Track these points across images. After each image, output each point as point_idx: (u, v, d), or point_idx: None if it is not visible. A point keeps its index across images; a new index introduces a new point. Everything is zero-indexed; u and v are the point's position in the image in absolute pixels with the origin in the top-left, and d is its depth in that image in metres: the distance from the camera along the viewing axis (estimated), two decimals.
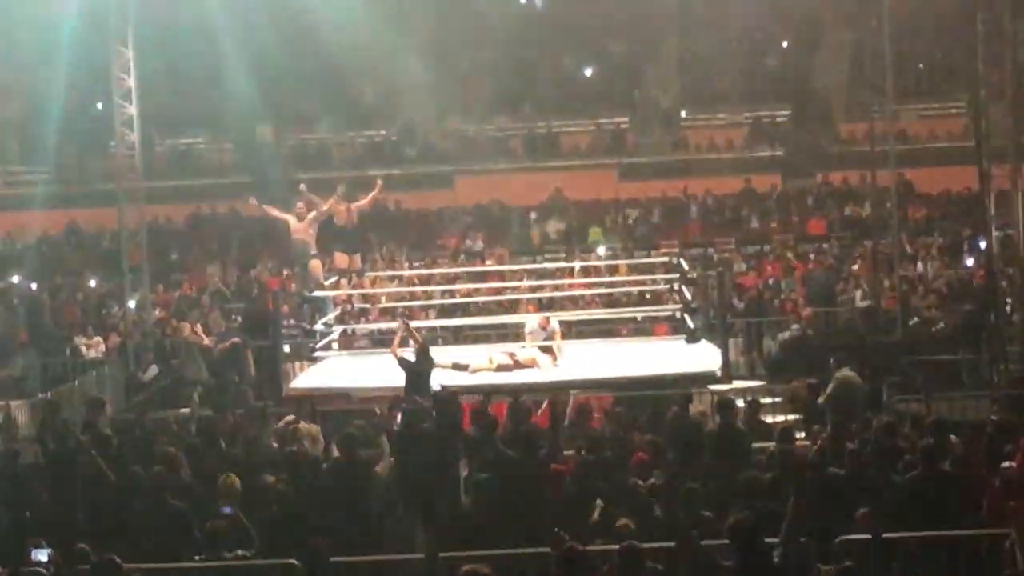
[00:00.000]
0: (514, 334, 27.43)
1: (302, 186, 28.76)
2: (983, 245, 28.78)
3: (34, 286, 36.78)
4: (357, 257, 29.15)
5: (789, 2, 42.73)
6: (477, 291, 30.94)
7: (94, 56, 32.54)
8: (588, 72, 46.75)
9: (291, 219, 27.91)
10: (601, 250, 36.30)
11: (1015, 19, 25.45)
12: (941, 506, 14.57)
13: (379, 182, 29.16)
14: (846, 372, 20.90)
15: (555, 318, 26.75)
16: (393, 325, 26.40)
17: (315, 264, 28.65)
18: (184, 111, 42.69)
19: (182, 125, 42.83)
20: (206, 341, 28.22)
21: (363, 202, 28.78)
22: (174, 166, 42.66)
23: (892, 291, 30.57)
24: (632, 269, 31.67)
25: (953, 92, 38.95)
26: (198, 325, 29.31)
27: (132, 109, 29.66)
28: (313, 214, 27.86)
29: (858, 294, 31.50)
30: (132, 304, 30.71)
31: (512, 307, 29.50)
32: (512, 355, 25.19)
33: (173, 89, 40.98)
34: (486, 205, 41.49)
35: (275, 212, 28.70)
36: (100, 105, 37.10)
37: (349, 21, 42.71)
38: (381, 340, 27.30)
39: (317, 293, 28.30)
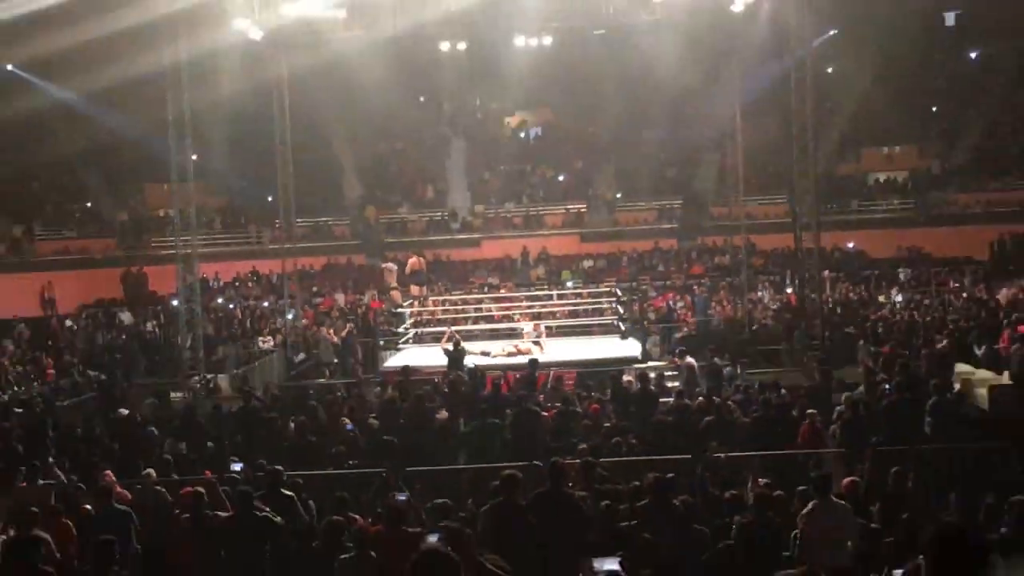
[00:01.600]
0: (517, 334, 27.47)
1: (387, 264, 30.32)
2: (796, 282, 28.96)
3: (231, 306, 36.96)
4: (424, 288, 29.29)
5: (682, 133, 42.85)
6: (494, 308, 31.00)
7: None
8: (561, 177, 46.75)
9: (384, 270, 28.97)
10: (569, 284, 36.27)
11: (816, 145, 25.57)
12: (776, 435, 14.69)
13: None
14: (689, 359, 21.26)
15: (542, 324, 26.96)
16: (444, 329, 26.51)
17: (394, 293, 29.03)
18: (318, 199, 42.67)
19: (317, 209, 42.68)
20: (335, 339, 28.44)
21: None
22: (315, 234, 42.55)
23: (742, 308, 30.75)
24: (588, 295, 31.67)
25: (779, 189, 38.82)
26: (331, 329, 29.51)
27: (291, 200, 29.93)
28: (392, 265, 28.98)
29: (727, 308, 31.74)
30: (290, 316, 30.86)
31: (515, 318, 29.57)
32: (516, 346, 25.30)
33: (309, 184, 40.89)
34: (500, 258, 41.50)
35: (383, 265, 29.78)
36: (270, 198, 36.92)
37: (418, 148, 42.82)
38: (437, 338, 27.41)
39: (399, 309, 28.50)
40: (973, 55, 47.05)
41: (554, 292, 32.77)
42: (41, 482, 13.60)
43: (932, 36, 46.84)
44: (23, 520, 10.51)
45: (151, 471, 13.24)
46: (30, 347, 31.27)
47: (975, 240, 39.43)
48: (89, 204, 44.79)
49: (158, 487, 12.54)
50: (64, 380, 26.13)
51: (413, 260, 29.51)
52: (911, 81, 45.77)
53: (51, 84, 39.23)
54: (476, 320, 30.01)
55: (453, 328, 26.33)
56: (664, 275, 39.26)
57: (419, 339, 27.98)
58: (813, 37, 25.62)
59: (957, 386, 17.47)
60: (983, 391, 17.71)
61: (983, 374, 19.64)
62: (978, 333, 23.82)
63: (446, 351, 22.93)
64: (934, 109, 47.00)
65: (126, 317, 35.28)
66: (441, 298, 31.63)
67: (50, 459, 15.33)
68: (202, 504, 10.93)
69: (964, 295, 32.29)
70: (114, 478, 12.49)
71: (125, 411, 19.40)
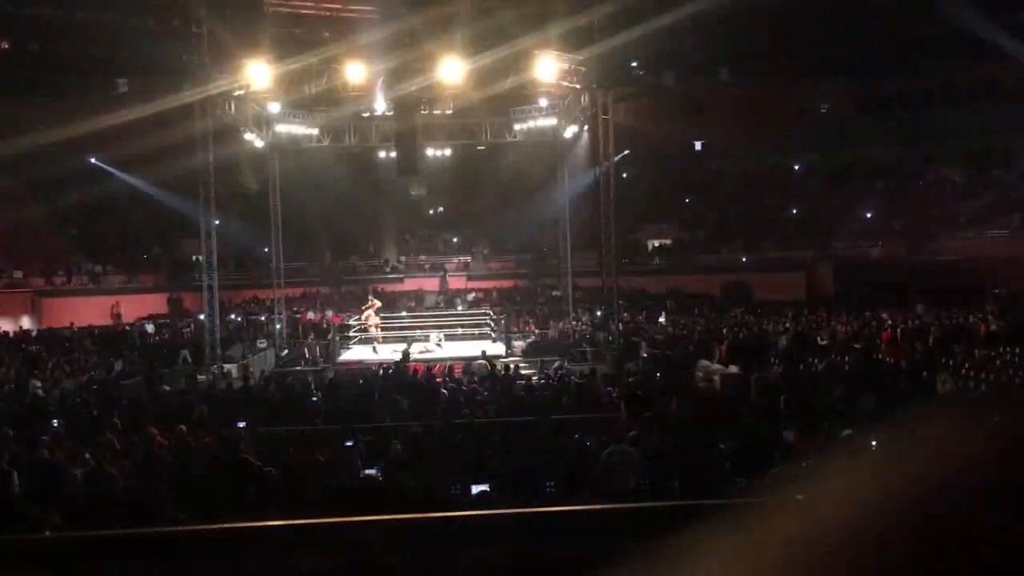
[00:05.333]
0: (426, 339, 27.31)
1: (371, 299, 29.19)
2: (602, 308, 29.17)
3: (239, 319, 35.62)
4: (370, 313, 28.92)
5: (532, 213, 42.81)
6: (414, 324, 30.70)
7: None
8: (455, 239, 46.46)
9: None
10: (460, 308, 36.12)
11: (615, 222, 25.84)
12: (588, 404, 14.75)
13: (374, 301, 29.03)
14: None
15: (442, 333, 26.85)
16: (378, 335, 26.15)
17: (365, 316, 28.41)
18: (296, 249, 41.43)
19: (296, 255, 41.39)
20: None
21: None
22: (295, 272, 41.24)
23: (568, 324, 30.79)
24: (472, 315, 31.70)
25: (593, 249, 39.21)
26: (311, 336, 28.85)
27: (279, 249, 29.18)
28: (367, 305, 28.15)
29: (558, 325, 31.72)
30: (278, 326, 30.06)
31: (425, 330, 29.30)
32: (425, 347, 25.22)
33: (291, 239, 39.65)
34: (416, 291, 40.98)
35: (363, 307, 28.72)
36: (266, 248, 35.81)
37: (364, 218, 42.01)
38: (368, 341, 27.18)
39: (351, 322, 28.05)
40: (711, 167, 48.41)
41: (450, 312, 32.75)
42: (107, 434, 13.05)
43: (687, 155, 48.31)
44: (98, 460, 10.18)
45: (183, 427, 12.80)
46: (104, 344, 30.14)
47: (712, 284, 40.70)
48: (145, 256, 43.31)
49: (187, 437, 12.12)
50: (125, 367, 25.16)
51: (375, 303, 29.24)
52: (673, 183, 47.07)
53: (126, 173, 39.01)
54: (400, 330, 29.68)
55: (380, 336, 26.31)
56: (519, 303, 39.18)
57: (361, 342, 27.74)
58: (613, 155, 26.09)
59: (700, 374, 17.88)
60: (717, 378, 18.12)
61: (717, 367, 20.06)
62: (713, 341, 24.40)
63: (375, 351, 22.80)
64: (687, 201, 48.29)
65: (165, 326, 34.15)
66: (380, 316, 31.37)
67: (115, 419, 14.75)
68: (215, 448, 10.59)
69: (704, 318, 33.08)
70: (156, 431, 12.05)
71: (167, 388, 18.78)
